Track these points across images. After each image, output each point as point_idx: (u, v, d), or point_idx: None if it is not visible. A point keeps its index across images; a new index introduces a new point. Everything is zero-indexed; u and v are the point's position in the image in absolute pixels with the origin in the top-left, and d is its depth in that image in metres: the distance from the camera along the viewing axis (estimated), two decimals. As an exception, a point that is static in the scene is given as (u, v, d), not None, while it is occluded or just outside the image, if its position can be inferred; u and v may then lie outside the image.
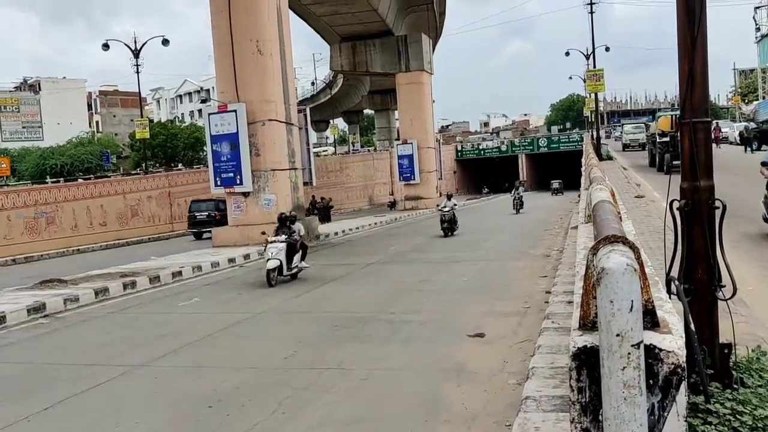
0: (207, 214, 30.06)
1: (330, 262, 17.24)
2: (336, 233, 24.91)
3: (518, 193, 32.34)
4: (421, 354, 7.72)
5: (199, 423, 5.89)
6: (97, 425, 5.99)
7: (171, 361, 8.09)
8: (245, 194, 21.15)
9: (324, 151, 76.94)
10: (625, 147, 50.33)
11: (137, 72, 41.06)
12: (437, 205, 23.81)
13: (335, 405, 6.15)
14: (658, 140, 30.33)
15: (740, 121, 49.00)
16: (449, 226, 21.67)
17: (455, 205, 22.55)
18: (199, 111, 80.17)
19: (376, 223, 30.13)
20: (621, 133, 57.64)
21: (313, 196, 36.58)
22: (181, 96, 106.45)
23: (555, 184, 53.29)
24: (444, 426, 5.42)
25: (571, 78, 66.52)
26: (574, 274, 10.40)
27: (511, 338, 8.07)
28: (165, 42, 39.04)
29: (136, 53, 40.64)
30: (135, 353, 8.54)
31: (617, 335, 1.79)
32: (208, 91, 70.17)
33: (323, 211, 36.39)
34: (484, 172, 70.04)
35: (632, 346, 1.79)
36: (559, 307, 8.39)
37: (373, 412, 5.90)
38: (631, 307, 1.77)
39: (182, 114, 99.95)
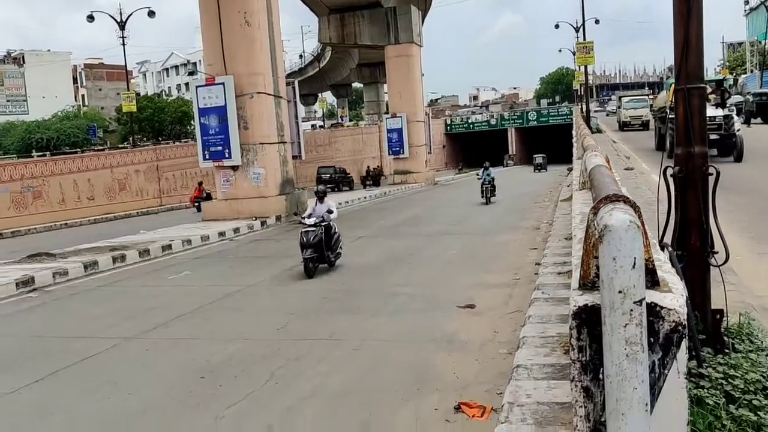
0: (329, 175, 40.92)
1: (320, 235, 17.20)
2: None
3: (488, 176, 23.34)
4: (411, 325, 7.76)
5: (192, 394, 5.90)
6: (89, 397, 5.99)
7: (162, 334, 8.08)
8: (234, 168, 21.01)
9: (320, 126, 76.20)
10: (624, 126, 40.22)
11: (123, 44, 40.48)
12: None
13: (327, 375, 6.17)
14: (668, 116, 26.87)
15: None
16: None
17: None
18: (186, 84, 79.36)
19: (365, 198, 30.09)
20: (617, 108, 46.15)
21: (368, 165, 45.14)
22: (167, 69, 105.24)
23: (538, 158, 50.72)
24: (435, 394, 5.46)
25: (560, 51, 66.38)
26: (566, 244, 10.46)
27: (502, 309, 8.11)
28: (151, 14, 38.48)
29: (122, 25, 40.03)
30: (126, 326, 8.52)
31: (619, 292, 1.78)
32: (195, 64, 69.42)
33: (375, 178, 44.11)
34: (474, 146, 69.94)
35: (635, 303, 1.78)
36: (549, 278, 8.43)
37: (365, 382, 5.93)
38: (634, 263, 1.77)
39: (169, 87, 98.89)
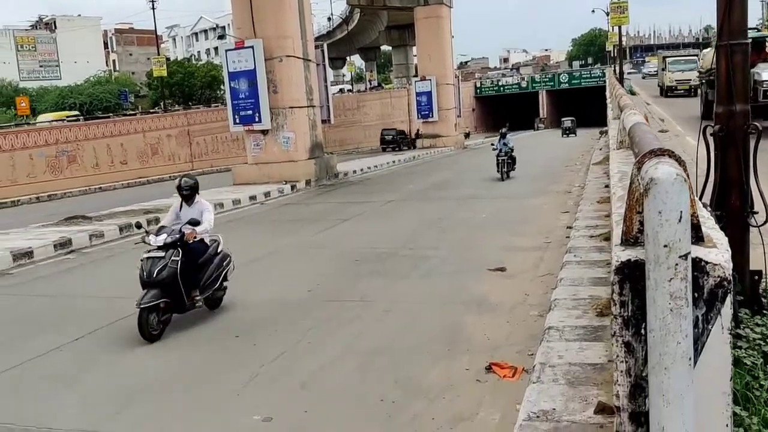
0: (391, 137, 42.59)
1: (349, 199, 17.28)
2: (354, 171, 24.86)
3: (505, 146, 19.18)
4: (441, 288, 7.79)
5: (228, 352, 6.03)
6: (126, 355, 6.15)
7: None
8: (264, 132, 21.05)
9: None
10: (668, 91, 35.90)
11: (153, 9, 40.52)
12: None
13: (358, 335, 6.25)
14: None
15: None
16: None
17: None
18: (215, 49, 79.30)
19: (394, 162, 30.01)
20: (660, 70, 40.16)
21: (418, 129, 44.56)
22: (196, 33, 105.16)
23: (567, 122, 46.84)
24: (466, 355, 5.50)
25: (593, 11, 64.59)
26: (597, 208, 10.35)
27: (533, 272, 8.10)
28: (179, -23, 38.32)
29: (151, -11, 40.00)
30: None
31: (665, 246, 1.76)
32: (224, 28, 69.25)
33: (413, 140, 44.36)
34: (504, 109, 69.01)
35: (680, 257, 1.76)
36: (581, 241, 8.36)
37: (396, 343, 5.99)
38: (680, 217, 1.74)
39: (198, 52, 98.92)
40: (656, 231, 1.76)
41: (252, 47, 20.23)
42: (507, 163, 18.95)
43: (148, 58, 62.18)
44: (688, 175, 1.88)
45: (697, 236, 2.01)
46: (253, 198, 17.73)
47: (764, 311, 4.02)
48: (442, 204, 15.01)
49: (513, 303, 6.88)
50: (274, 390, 5.07)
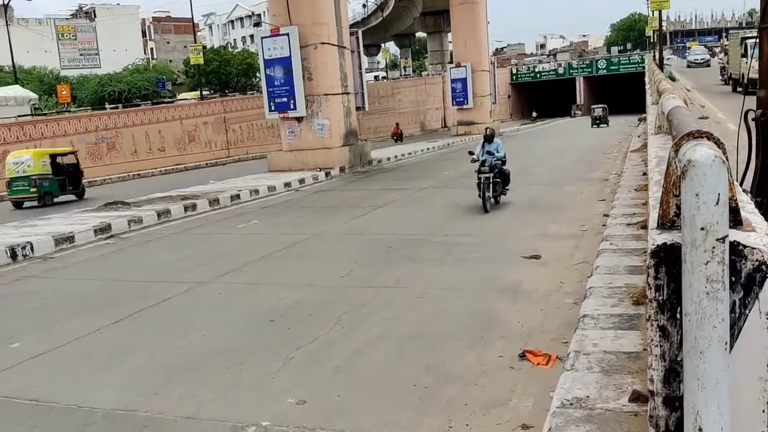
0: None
1: (383, 186, 17.31)
2: (388, 158, 24.88)
3: (490, 155, 12.47)
4: (475, 274, 7.77)
5: (263, 335, 6.12)
6: (165, 337, 6.28)
7: (233, 279, 8.35)
8: (299, 119, 21.18)
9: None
10: (748, 87, 18.93)
11: (189, -3, 40.84)
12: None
13: (392, 321, 6.28)
14: None
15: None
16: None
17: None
18: (251, 37, 79.83)
19: (428, 149, 29.93)
20: (732, 55, 31.21)
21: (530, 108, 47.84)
22: (232, 21, 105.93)
23: (597, 109, 42.45)
24: (500, 342, 5.49)
25: (633, -4, 63.39)
26: (635, 195, 10.20)
27: (568, 260, 8.03)
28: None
29: (187, -23, 40.32)
30: (198, 271, 8.84)
31: (702, 229, 1.74)
32: (259, 15, 69.58)
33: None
34: (540, 95, 68.22)
35: (717, 240, 1.74)
36: (617, 229, 8.26)
37: (429, 328, 6.01)
38: (718, 200, 1.72)
39: (234, 40, 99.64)
40: (693, 214, 1.74)
41: (287, 34, 20.33)
42: (492, 183, 11.98)
43: (185, 46, 62.89)
44: (727, 158, 1.85)
45: (736, 220, 1.98)
46: (287, 185, 17.87)
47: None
48: (477, 191, 14.90)
49: (547, 291, 6.83)
50: (308, 374, 5.13)
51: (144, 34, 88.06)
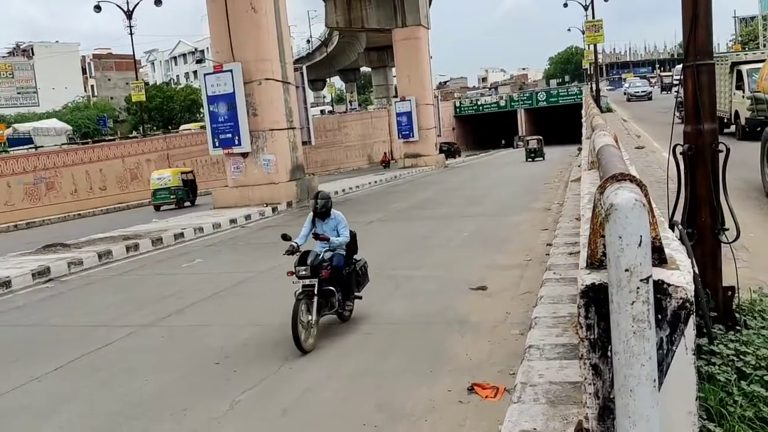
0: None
1: (331, 220, 17.24)
2: (336, 192, 24.87)
3: (324, 248, 7.41)
4: (424, 308, 7.80)
5: (207, 379, 5.98)
6: (107, 384, 6.07)
7: (177, 321, 8.16)
8: (244, 155, 21.05)
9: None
10: (750, 125, 18.55)
11: (131, 34, 40.47)
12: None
13: (341, 358, 6.23)
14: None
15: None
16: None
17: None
18: (195, 72, 79.34)
19: (376, 182, 30.08)
20: (726, 83, 21.70)
21: (448, 142, 49.83)
22: (175, 57, 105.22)
23: (532, 142, 37.94)
24: (448, 376, 5.49)
25: (569, 30, 65.44)
26: (576, 224, 10.44)
27: (514, 290, 8.13)
28: (157, 2, 38.40)
29: (129, 14, 40.01)
30: (141, 314, 8.61)
31: (626, 270, 1.79)
32: (203, 51, 69.36)
33: (450, 152, 49.57)
34: (484, 127, 69.60)
35: (641, 280, 1.79)
36: (560, 258, 8.43)
37: (379, 364, 5.98)
38: (640, 242, 1.77)
39: (177, 76, 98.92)
40: (617, 255, 1.80)
41: (231, 71, 20.29)
42: (321, 297, 6.89)
43: (127, 83, 62.08)
44: (649, 200, 1.92)
45: (660, 258, 2.05)
46: (233, 221, 17.67)
47: (738, 327, 4.08)
48: (424, 223, 15.05)
49: (494, 322, 6.89)
50: (256, 417, 5.02)
51: (84, 72, 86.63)
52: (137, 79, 45.90)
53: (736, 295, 4.30)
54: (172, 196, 26.18)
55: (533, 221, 13.57)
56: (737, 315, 4.22)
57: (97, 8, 37.54)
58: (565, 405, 3.95)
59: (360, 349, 6.45)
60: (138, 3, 40.36)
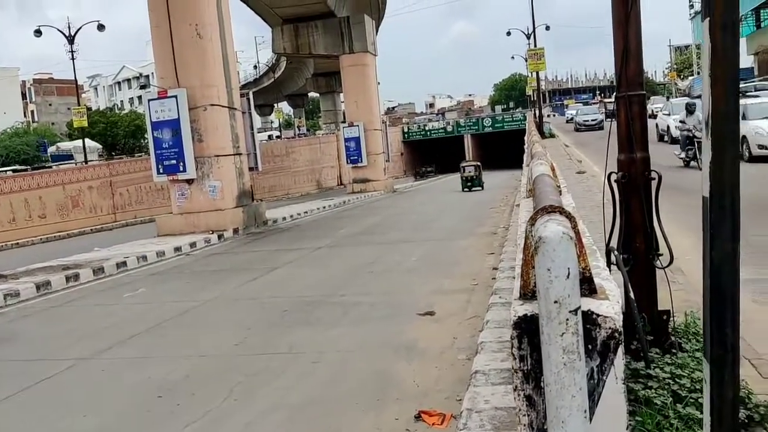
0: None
1: (278, 247, 17.13)
2: (284, 218, 24.72)
3: None
4: (371, 334, 7.77)
5: (149, 413, 5.81)
6: (46, 420, 5.85)
7: (119, 353, 7.93)
8: (189, 181, 20.74)
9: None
10: None
11: (72, 59, 39.73)
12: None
13: (287, 389, 6.14)
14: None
15: (677, 96, 49.94)
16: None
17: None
18: (139, 98, 78.26)
19: (324, 207, 30.01)
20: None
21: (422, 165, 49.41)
22: (119, 83, 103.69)
23: (469, 169, 33.23)
24: (395, 404, 5.47)
25: (513, 58, 67.28)
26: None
27: (461, 315, 8.18)
28: (100, 27, 37.89)
29: (71, 39, 39.30)
30: (81, 346, 8.35)
31: (555, 302, 1.83)
32: (147, 77, 68.51)
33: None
34: (432, 153, 70.35)
35: (570, 312, 1.83)
36: (505, 282, 8.54)
37: (326, 394, 5.92)
38: (568, 274, 1.82)
39: (121, 101, 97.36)
40: (547, 287, 1.83)
41: (175, 97, 20.03)
42: None
43: (69, 108, 60.74)
44: (577, 231, 1.97)
45: (590, 288, 2.10)
46: (178, 249, 17.35)
47: (673, 350, 4.19)
48: (372, 248, 15.06)
49: (442, 347, 6.92)
50: (199, 451, 4.90)
51: (24, 97, 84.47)
52: (79, 105, 44.97)
53: (672, 318, 4.43)
54: None
55: (479, 245, 13.72)
56: (673, 338, 4.35)
57: (38, 32, 36.81)
58: (510, 431, 3.97)
59: (306, 379, 6.38)
60: (80, 28, 39.73)
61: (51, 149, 48.42)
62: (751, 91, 40.66)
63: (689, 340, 4.46)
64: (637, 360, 3.80)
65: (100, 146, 49.95)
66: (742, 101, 22.33)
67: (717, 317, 2.12)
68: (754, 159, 19.80)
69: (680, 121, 21.79)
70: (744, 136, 19.81)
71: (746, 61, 71.05)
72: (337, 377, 6.36)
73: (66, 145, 50.65)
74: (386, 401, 5.56)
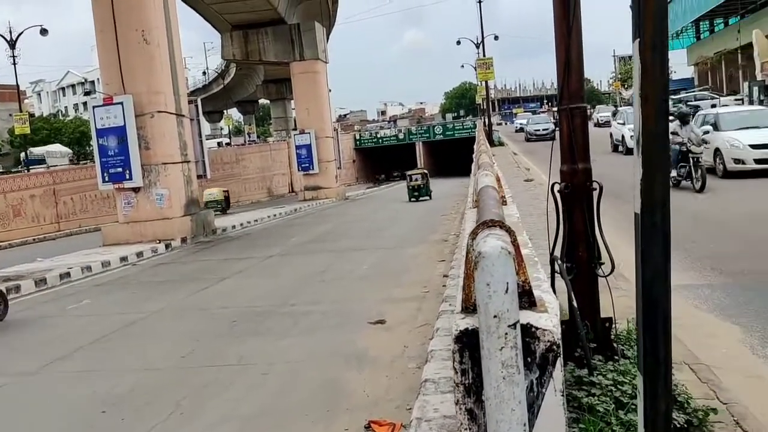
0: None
1: (227, 256, 16.91)
2: (233, 226, 24.42)
3: None
4: (322, 344, 7.73)
5: (93, 429, 5.66)
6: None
7: (62, 367, 7.71)
8: (135, 190, 20.33)
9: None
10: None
11: (14, 64, 38.56)
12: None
13: (236, 401, 6.06)
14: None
15: (621, 105, 51.21)
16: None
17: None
18: (84, 104, 76.45)
19: (275, 215, 29.76)
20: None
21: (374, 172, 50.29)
22: (63, 88, 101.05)
23: (415, 177, 30.99)
24: (345, 414, 5.45)
25: (463, 66, 68.00)
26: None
27: (411, 323, 8.20)
28: (43, 32, 36.89)
29: (12, 44, 38.15)
30: (22, 361, 8.09)
31: (494, 317, 1.85)
32: (92, 82, 66.99)
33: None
34: (384, 160, 70.61)
35: (509, 326, 1.86)
36: (456, 290, 8.53)
37: (275, 406, 5.86)
38: (507, 288, 1.84)
39: (65, 107, 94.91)
40: (486, 302, 1.86)
41: (121, 103, 19.64)
42: None
43: (10, 115, 58.86)
44: (517, 246, 2.01)
45: (530, 301, 2.14)
46: (124, 259, 16.96)
47: (616, 357, 4.29)
48: (324, 257, 15.00)
49: (392, 356, 6.92)
50: (144, 468, 4.79)
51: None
52: (21, 111, 43.65)
53: (614, 325, 4.53)
54: (219, 205, 35.80)
55: (430, 253, 13.80)
56: (615, 345, 4.45)
57: (-24, 36, 35.59)
58: (458, 439, 4.00)
59: (256, 390, 6.31)
60: (22, 32, 38.62)
61: (22, 154, 49.65)
62: (692, 101, 42.22)
63: (631, 346, 4.56)
64: (581, 367, 3.88)
65: (71, 151, 50.23)
66: (713, 110, 21.58)
67: (650, 331, 2.18)
68: (728, 174, 18.39)
69: (672, 133, 16.80)
70: (717, 149, 18.64)
71: (687, 71, 73.66)
72: (287, 388, 6.30)
73: (38, 150, 51.24)
74: (336, 412, 5.54)
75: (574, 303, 3.70)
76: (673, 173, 16.99)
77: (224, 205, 37.72)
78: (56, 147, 49.45)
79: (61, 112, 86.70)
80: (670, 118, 21.94)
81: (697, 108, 36.38)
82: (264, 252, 16.67)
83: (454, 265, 10.52)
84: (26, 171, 39.98)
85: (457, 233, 15.41)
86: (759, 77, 40.59)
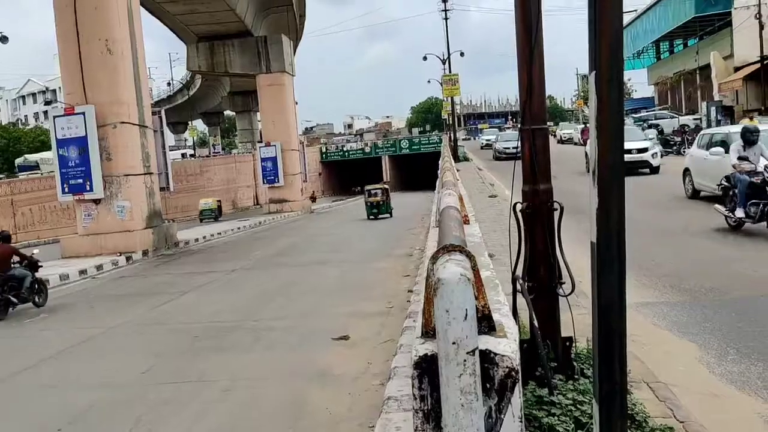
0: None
1: (190, 270, 16.69)
2: (197, 239, 24.14)
3: None
4: (285, 361, 7.67)
5: (47, 450, 5.52)
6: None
7: (17, 383, 7.53)
8: (96, 201, 19.98)
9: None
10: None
11: (-29, 70, 37.70)
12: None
13: (196, 419, 5.97)
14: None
15: (584, 123, 52.06)
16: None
17: None
18: (45, 113, 75.08)
19: (239, 228, 29.50)
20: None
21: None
22: (24, 97, 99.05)
23: (375, 192, 28.80)
24: (308, 432, 5.41)
25: (429, 82, 68.40)
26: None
27: (375, 339, 8.18)
28: (3, 39, 36.10)
29: (-31, 50, 37.29)
30: (-28, 378, 7.84)
31: (453, 343, 1.86)
32: (54, 91, 65.86)
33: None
34: (350, 173, 70.60)
35: (467, 353, 1.87)
36: (420, 305, 8.55)
37: (236, 424, 5.79)
38: (466, 315, 1.86)
39: (26, 116, 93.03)
40: (445, 329, 1.87)
41: (83, 113, 19.33)
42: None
43: (-33, 122, 57.56)
44: (477, 272, 2.02)
45: (490, 326, 2.16)
46: (83, 272, 16.63)
47: (576, 376, 4.34)
48: (289, 271, 14.90)
49: (356, 373, 6.89)
50: (100, 489, 4.68)
51: None
52: (-22, 119, 42.68)
53: (574, 344, 4.58)
54: (213, 213, 38.61)
55: (395, 268, 13.81)
56: (575, 364, 4.49)
57: (-67, 42, 34.67)
58: (420, 458, 3.99)
59: (217, 408, 6.22)
60: (-19, 38, 37.74)
61: (18, 160, 48.76)
62: (652, 119, 43.06)
63: (590, 365, 4.61)
64: (542, 386, 3.91)
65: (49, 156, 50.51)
66: (725, 129, 17.84)
67: (605, 355, 2.21)
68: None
69: (739, 158, 12.39)
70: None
71: (647, 90, 75.30)
72: (248, 406, 6.23)
73: (33, 157, 50.01)
74: (298, 429, 5.50)
75: (535, 322, 3.74)
76: (740, 213, 11.95)
77: (217, 214, 39.53)
78: (50, 154, 49.10)
79: (21, 120, 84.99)
80: (720, 134, 14.20)
81: (658, 126, 37.00)
82: (227, 266, 16.50)
83: (419, 281, 10.52)
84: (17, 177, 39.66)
85: (422, 248, 15.42)
86: (716, 97, 41.68)
